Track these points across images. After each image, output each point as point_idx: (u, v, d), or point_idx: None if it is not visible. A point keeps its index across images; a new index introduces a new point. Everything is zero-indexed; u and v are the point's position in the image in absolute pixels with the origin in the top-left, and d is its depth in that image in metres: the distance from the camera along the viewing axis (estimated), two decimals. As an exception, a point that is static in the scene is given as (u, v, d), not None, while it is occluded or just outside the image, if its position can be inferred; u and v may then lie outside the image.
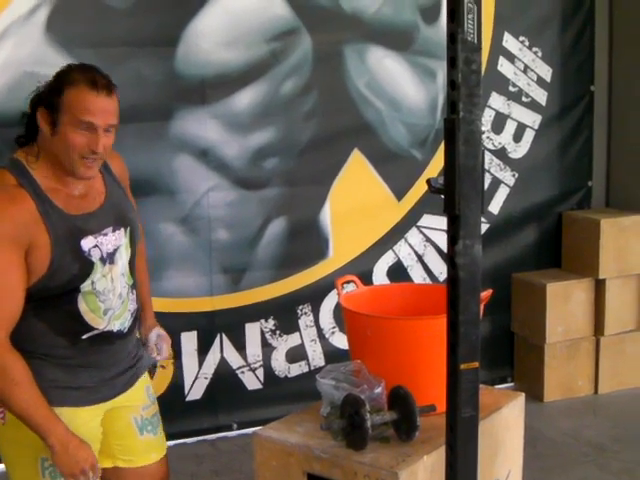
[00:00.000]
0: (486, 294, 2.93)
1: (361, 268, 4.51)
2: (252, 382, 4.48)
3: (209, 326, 4.35)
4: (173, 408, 4.38)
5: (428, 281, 4.70)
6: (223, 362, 4.41)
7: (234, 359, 4.46)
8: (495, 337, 5.07)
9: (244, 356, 4.47)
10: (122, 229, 2.50)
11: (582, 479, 3.93)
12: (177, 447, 4.34)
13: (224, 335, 4.41)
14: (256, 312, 4.46)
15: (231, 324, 4.43)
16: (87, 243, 2.38)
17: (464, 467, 2.29)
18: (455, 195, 2.09)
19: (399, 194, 4.50)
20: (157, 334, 2.82)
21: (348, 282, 3.18)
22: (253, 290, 4.41)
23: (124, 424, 2.63)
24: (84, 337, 2.41)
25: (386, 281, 4.60)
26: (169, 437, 4.33)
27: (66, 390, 2.38)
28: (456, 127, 2.04)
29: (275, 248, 4.42)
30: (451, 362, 2.22)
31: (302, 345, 4.55)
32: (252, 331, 4.46)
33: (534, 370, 4.95)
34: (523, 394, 3.16)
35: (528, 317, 4.96)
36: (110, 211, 2.48)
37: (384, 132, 4.49)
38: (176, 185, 4.14)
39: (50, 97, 2.31)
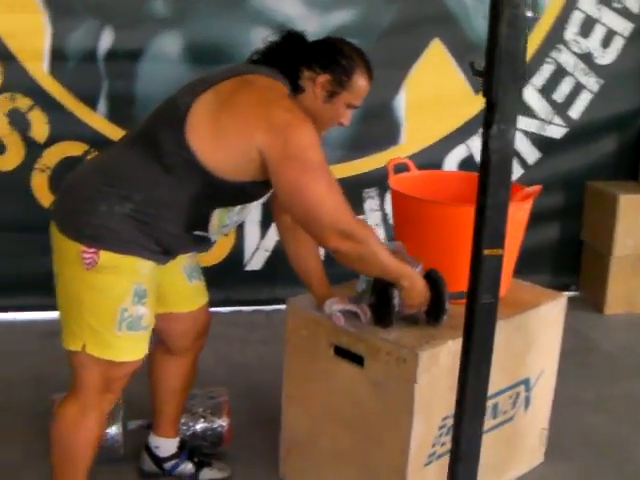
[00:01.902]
0: (535, 189, 2.91)
1: (432, 158, 4.49)
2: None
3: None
4: (232, 276, 4.51)
5: (499, 179, 4.63)
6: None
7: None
8: (563, 244, 5.02)
9: (307, 233, 4.51)
10: None
11: (628, 393, 3.89)
12: (233, 314, 4.48)
13: (290, 210, 4.46)
14: None
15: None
16: None
17: (479, 353, 2.30)
18: (493, 78, 2.06)
19: (477, 88, 4.40)
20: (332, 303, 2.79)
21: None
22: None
23: (175, 272, 2.74)
24: (195, 233, 2.51)
25: (457, 174, 4.57)
26: (226, 304, 4.51)
27: (144, 250, 2.42)
28: (500, 8, 2.00)
29: (346, 129, 4.40)
30: (475, 247, 2.21)
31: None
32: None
33: (599, 281, 4.89)
34: (565, 295, 3.13)
35: (599, 227, 4.88)
36: None
37: (467, 24, 4.39)
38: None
39: (339, 73, 2.47)
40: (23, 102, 4.08)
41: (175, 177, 2.36)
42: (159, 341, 2.85)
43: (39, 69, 4.03)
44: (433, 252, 2.82)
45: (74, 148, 4.16)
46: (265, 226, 4.45)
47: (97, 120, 4.16)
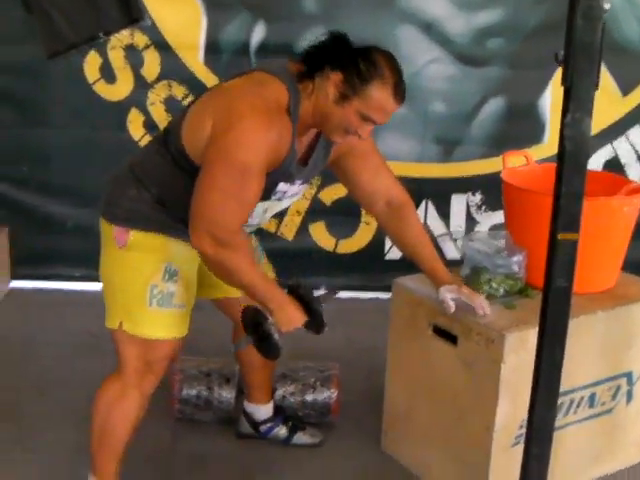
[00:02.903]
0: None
1: (576, 159, 4.49)
2: (451, 251, 4.63)
3: (417, 192, 4.51)
4: (372, 264, 4.68)
5: (645, 180, 4.59)
6: (425, 229, 4.58)
7: (437, 227, 4.64)
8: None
9: (447, 225, 4.64)
10: (306, 185, 2.70)
11: None
12: (370, 300, 4.64)
13: (430, 202, 4.60)
14: (464, 185, 4.58)
15: (438, 193, 4.61)
16: (280, 187, 2.55)
17: (553, 336, 2.37)
18: (569, 68, 2.15)
19: (625, 89, 4.40)
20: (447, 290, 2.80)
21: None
22: (463, 163, 4.54)
23: None
24: None
25: (601, 174, 4.55)
26: (365, 289, 4.67)
27: (172, 229, 2.53)
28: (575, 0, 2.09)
29: (490, 126, 4.50)
30: (551, 232, 2.31)
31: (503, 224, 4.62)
32: (458, 202, 4.62)
33: None
34: (674, 293, 3.12)
35: None
36: (310, 170, 2.63)
37: (616, 25, 4.36)
38: (397, 54, 4.27)
39: (353, 75, 2.37)
40: (179, 90, 4.38)
41: (181, 170, 2.48)
42: (235, 325, 2.99)
43: (194, 59, 4.31)
44: (538, 242, 2.89)
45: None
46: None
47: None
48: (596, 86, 2.17)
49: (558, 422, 2.84)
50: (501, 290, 2.89)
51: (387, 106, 2.42)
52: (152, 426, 3.13)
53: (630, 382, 3.06)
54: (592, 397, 2.97)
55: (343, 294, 4.42)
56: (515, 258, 2.89)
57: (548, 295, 2.34)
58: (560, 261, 2.31)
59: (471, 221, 4.64)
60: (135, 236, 2.51)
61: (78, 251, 4.39)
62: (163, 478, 3.04)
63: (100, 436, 2.64)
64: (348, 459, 3.09)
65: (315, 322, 2.53)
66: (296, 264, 4.31)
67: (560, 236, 2.29)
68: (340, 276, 4.63)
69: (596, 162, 4.58)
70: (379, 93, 2.39)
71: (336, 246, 4.66)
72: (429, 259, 2.89)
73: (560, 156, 2.25)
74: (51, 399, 3.49)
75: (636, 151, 4.53)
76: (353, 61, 2.38)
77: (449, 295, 2.78)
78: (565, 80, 2.17)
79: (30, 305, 4.46)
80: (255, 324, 2.48)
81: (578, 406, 2.95)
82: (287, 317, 2.45)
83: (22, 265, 4.65)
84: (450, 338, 2.85)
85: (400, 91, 2.42)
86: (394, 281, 3.08)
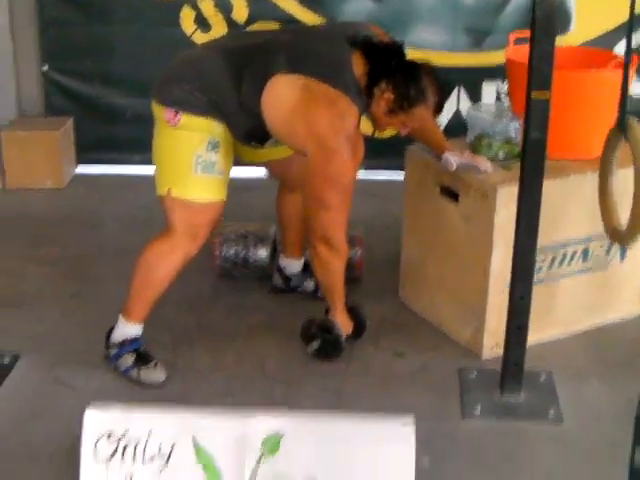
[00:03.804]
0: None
1: (600, 46, 4.69)
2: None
3: (449, 80, 4.80)
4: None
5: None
6: (457, 113, 4.90)
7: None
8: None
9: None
10: None
11: None
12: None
13: (462, 89, 4.89)
14: (494, 73, 4.79)
15: (469, 80, 4.89)
16: None
17: (531, 181, 2.73)
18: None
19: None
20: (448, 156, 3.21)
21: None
22: (493, 52, 4.76)
23: None
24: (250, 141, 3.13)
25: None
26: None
27: (217, 114, 2.96)
28: None
29: (519, 16, 4.72)
30: (527, 91, 2.63)
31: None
32: (488, 89, 4.89)
33: None
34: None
35: None
36: None
37: None
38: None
39: (403, 99, 2.90)
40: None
41: (247, 113, 2.93)
42: (281, 183, 3.48)
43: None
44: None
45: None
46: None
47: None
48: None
49: (554, 272, 3.21)
50: (500, 154, 3.21)
51: (426, 120, 3.04)
52: (195, 281, 3.62)
53: (622, 239, 3.35)
54: (586, 251, 3.29)
55: (381, 174, 4.79)
56: (512, 125, 3.20)
57: (526, 145, 2.67)
58: (535, 116, 2.63)
59: (501, 107, 4.88)
60: (184, 118, 2.92)
61: (136, 138, 4.69)
62: (203, 321, 3.49)
63: (142, 284, 3.04)
64: (369, 308, 3.45)
65: (358, 328, 3.27)
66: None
67: (534, 94, 2.61)
68: (378, 158, 4.89)
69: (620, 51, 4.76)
70: (422, 112, 2.95)
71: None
72: (438, 140, 3.30)
73: (532, 22, 2.53)
74: (109, 262, 3.97)
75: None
76: (405, 86, 2.89)
77: (452, 157, 3.15)
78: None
79: (94, 187, 4.94)
80: (326, 328, 3.18)
81: (572, 259, 3.28)
82: (346, 323, 3.21)
83: (86, 152, 5.11)
84: (453, 196, 3.19)
85: (439, 109, 2.99)
86: (407, 147, 3.41)
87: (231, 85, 2.91)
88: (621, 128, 2.71)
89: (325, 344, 3.18)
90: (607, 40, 4.77)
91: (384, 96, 2.91)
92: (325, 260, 3.04)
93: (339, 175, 2.89)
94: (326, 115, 2.85)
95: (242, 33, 4.46)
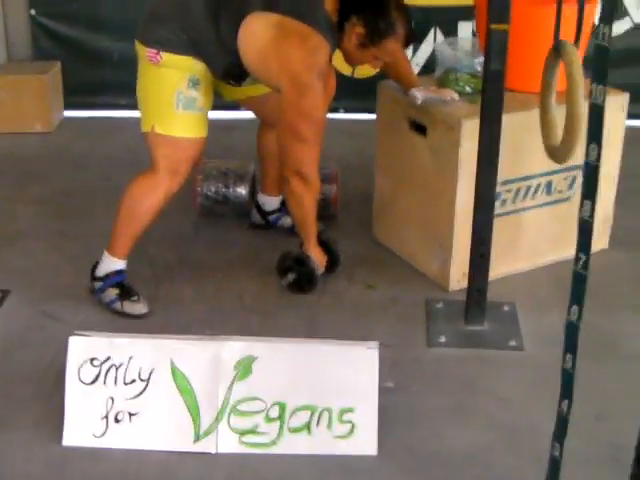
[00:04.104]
0: None
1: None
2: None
3: (425, 20, 4.95)
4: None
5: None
6: (434, 53, 4.92)
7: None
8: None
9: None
10: None
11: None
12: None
13: (438, 29, 5.00)
14: (470, 12, 4.82)
15: (445, 20, 4.98)
16: None
17: (490, 113, 2.83)
18: None
19: None
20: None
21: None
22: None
23: None
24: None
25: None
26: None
27: (197, 53, 3.05)
28: None
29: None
30: (486, 23, 2.73)
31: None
32: (464, 29, 4.98)
33: None
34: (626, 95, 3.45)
35: None
36: None
37: None
38: None
39: (373, 32, 3.01)
40: None
41: (226, 50, 3.02)
42: (261, 121, 3.60)
43: None
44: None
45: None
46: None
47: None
48: None
49: (519, 205, 3.34)
50: (467, 88, 3.31)
51: (397, 52, 3.15)
52: (177, 220, 3.75)
53: (586, 173, 3.46)
54: (549, 185, 3.40)
55: (362, 115, 4.89)
56: (478, 60, 3.30)
57: (486, 76, 2.77)
58: (494, 48, 2.73)
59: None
60: (165, 57, 3.01)
61: (123, 82, 4.72)
62: (184, 257, 3.63)
63: (125, 219, 3.15)
64: (344, 244, 3.57)
65: (332, 262, 3.38)
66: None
67: (493, 26, 2.70)
68: (359, 99, 4.99)
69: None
70: (392, 45, 3.07)
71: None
72: (406, 74, 3.39)
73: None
74: (96, 200, 4.09)
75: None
76: (374, 20, 3.01)
77: (417, 92, 3.27)
78: None
79: (81, 130, 5.07)
80: (300, 261, 3.28)
81: (536, 192, 3.39)
82: (319, 256, 3.32)
83: (74, 96, 5.20)
84: (422, 130, 3.30)
85: (408, 41, 3.13)
86: (379, 82, 3.52)
87: (210, 24, 3.01)
88: (557, 50, 2.74)
89: (300, 277, 3.30)
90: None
91: (355, 30, 3.03)
92: (298, 194, 3.16)
93: (312, 109, 3.01)
94: (298, 51, 2.95)
95: None
